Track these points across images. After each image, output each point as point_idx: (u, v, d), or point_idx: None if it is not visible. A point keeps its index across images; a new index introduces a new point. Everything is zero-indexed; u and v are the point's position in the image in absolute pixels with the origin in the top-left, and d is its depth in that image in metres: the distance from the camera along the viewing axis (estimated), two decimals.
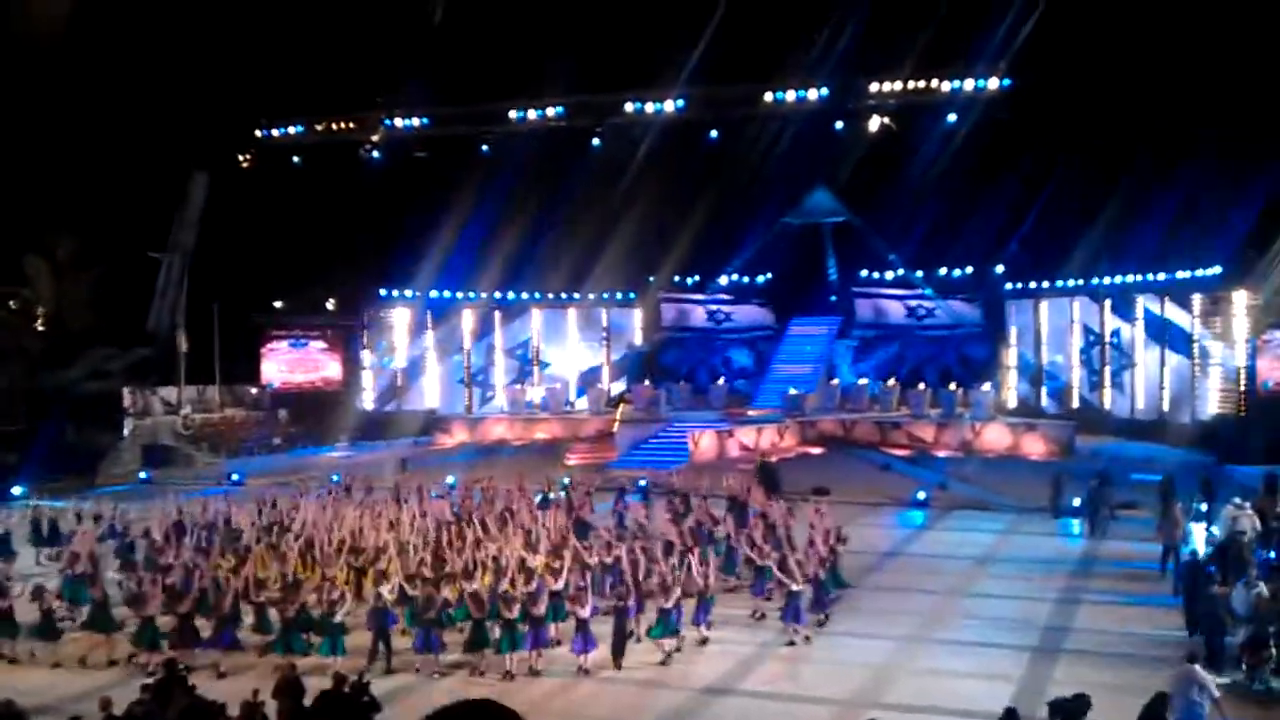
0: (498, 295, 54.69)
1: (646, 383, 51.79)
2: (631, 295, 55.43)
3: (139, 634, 20.68)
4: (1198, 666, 16.33)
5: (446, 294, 54.36)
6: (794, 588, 21.52)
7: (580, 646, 20.16)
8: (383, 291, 54.43)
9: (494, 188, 49.92)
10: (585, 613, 20.38)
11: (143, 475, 44.02)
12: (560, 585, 21.41)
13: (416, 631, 20.50)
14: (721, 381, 52.50)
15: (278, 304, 56.79)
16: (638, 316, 56.01)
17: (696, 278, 55.28)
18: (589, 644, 20.15)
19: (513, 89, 51.86)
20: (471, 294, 54.48)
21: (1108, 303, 47.74)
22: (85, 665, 20.94)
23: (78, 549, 25.07)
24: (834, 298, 54.54)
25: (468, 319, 55.26)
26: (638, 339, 56.09)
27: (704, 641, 21.52)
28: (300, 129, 55.25)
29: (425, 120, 54.11)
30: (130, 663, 20.71)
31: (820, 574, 22.76)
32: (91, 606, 22.32)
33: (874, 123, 48.98)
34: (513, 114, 52.58)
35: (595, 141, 51.84)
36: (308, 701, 15.83)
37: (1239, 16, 39.10)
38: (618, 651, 20.38)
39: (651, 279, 54.51)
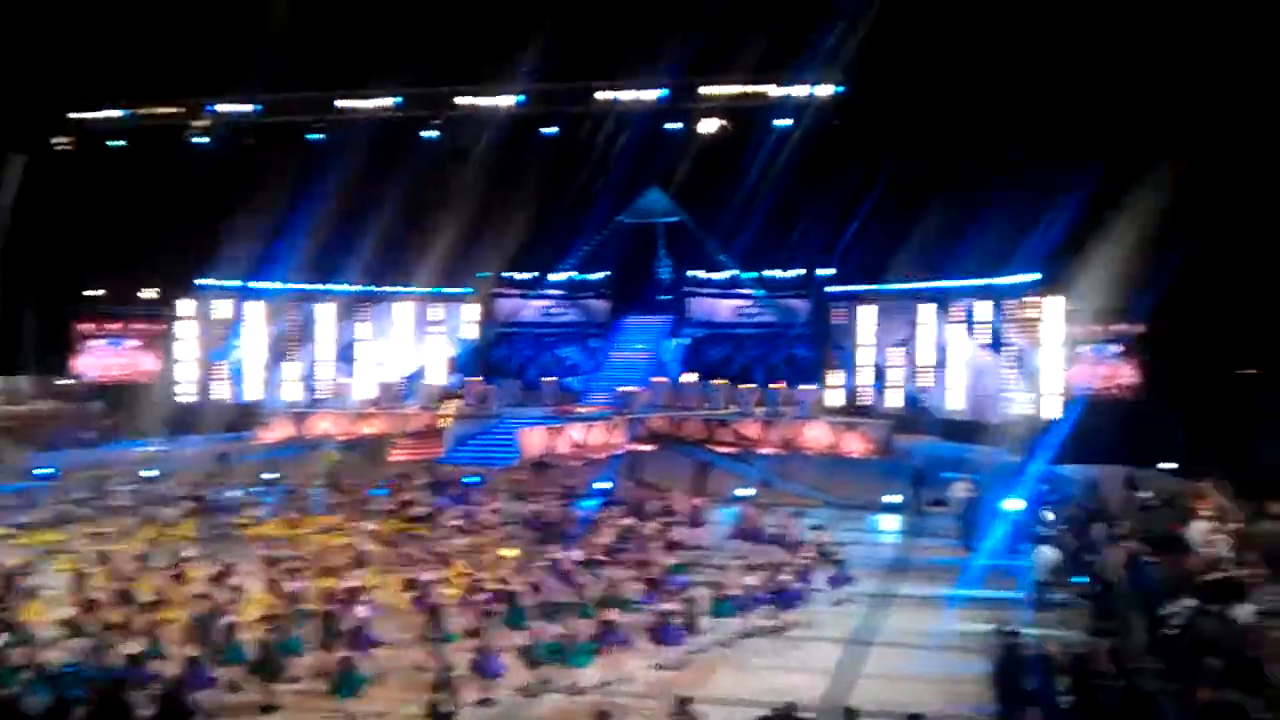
0: (325, 287, 53.53)
1: (475, 378, 51.21)
2: (466, 290, 54.77)
3: None
4: None
5: (272, 285, 52.93)
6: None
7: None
8: (203, 281, 52.69)
9: (325, 178, 48.96)
10: None
11: None
12: None
13: None
14: (552, 378, 52.29)
15: (94, 293, 54.62)
16: (470, 312, 55.35)
17: (532, 274, 54.98)
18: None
19: (349, 79, 51.04)
20: (299, 285, 53.20)
21: (931, 306, 49.04)
22: None
23: None
24: (666, 297, 54.87)
25: (294, 310, 53.91)
26: (469, 334, 55.47)
27: None
28: (125, 113, 53.36)
29: (257, 107, 52.76)
30: None
31: None
32: None
33: (710, 124, 49.54)
34: (346, 103, 51.67)
35: (431, 134, 51.18)
36: None
37: (1059, 34, 40.91)
38: None
39: (485, 274, 53.99)
